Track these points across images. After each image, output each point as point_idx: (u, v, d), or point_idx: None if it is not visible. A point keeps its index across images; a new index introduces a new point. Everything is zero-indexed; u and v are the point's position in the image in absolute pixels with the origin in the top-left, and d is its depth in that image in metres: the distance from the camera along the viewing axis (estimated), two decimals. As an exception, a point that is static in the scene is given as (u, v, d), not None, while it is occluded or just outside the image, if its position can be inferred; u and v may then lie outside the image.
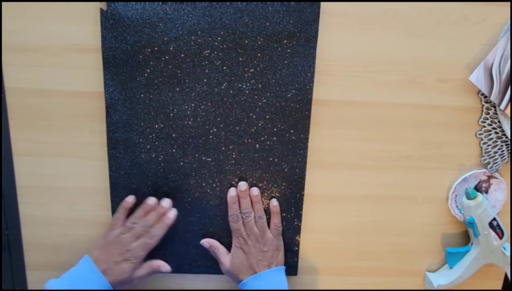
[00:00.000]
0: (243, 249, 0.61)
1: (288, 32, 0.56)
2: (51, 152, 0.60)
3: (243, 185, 0.61)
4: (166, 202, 0.60)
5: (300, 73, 0.57)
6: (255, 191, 0.62)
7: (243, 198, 0.61)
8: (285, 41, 0.56)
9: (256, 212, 0.61)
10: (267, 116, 0.59)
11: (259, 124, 0.59)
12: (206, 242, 0.63)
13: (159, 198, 0.61)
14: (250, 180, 0.62)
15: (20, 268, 0.65)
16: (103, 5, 0.54)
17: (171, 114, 0.58)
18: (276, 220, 0.62)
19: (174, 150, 0.60)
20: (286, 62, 0.57)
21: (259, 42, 0.56)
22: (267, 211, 0.63)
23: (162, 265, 0.62)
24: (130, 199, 0.60)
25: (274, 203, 0.63)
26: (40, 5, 0.54)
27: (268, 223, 0.63)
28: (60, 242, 0.64)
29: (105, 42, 0.55)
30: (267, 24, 0.55)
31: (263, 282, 0.60)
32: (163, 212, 0.60)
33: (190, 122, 0.59)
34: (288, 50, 0.56)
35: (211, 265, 0.66)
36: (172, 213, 0.60)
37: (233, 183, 0.62)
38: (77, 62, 0.56)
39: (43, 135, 0.60)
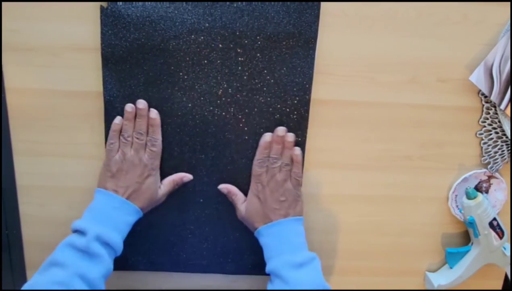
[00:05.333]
0: (259, 197, 0.58)
1: (288, 33, 0.56)
2: (51, 152, 0.60)
3: (281, 130, 0.58)
4: (142, 103, 0.57)
5: (299, 74, 0.57)
6: (290, 136, 0.59)
7: (277, 143, 0.58)
8: (285, 42, 0.56)
9: (284, 159, 0.58)
10: (266, 116, 0.59)
11: (258, 124, 0.59)
12: (224, 187, 0.61)
13: None
14: (249, 179, 0.62)
15: (20, 268, 0.65)
16: (104, 3, 0.54)
17: (170, 113, 0.58)
18: (296, 169, 0.59)
19: (172, 148, 0.60)
20: (285, 62, 0.57)
21: (259, 42, 0.56)
22: None
23: (183, 176, 0.60)
24: (118, 120, 0.57)
25: (296, 151, 0.59)
26: (40, 5, 0.54)
27: None
28: (60, 242, 0.64)
29: (105, 40, 0.55)
30: (267, 24, 0.55)
31: (278, 230, 0.57)
32: (145, 113, 0.57)
33: (188, 121, 0.59)
34: (288, 51, 0.56)
35: (207, 264, 0.66)
36: (154, 112, 0.57)
37: (233, 182, 0.62)
38: (77, 62, 0.56)
39: (43, 135, 0.60)
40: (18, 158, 0.61)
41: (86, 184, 0.62)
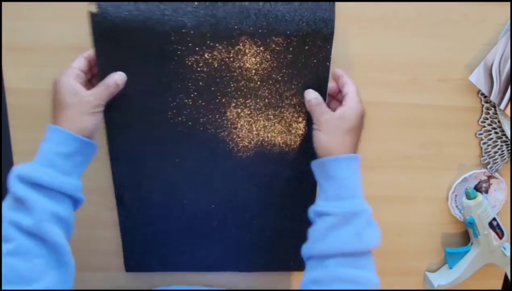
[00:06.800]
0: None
1: (302, 31, 0.51)
2: (51, 152, 0.60)
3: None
4: None
5: (315, 73, 0.54)
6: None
7: None
8: (298, 41, 0.52)
9: None
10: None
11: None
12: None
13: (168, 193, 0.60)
14: (251, 179, 0.62)
15: (20, 268, 0.65)
16: (93, 7, 0.49)
17: (174, 119, 0.56)
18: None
19: (180, 156, 0.59)
20: (301, 61, 0.53)
21: (268, 43, 0.52)
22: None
23: (114, 75, 0.51)
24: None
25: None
26: (40, 5, 0.54)
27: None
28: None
29: (98, 47, 0.51)
30: (277, 23, 0.51)
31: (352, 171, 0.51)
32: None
33: (196, 128, 0.57)
34: (302, 50, 0.53)
35: (211, 264, 0.66)
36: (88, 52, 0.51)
37: (237, 179, 0.61)
38: (77, 62, 0.56)
39: (43, 135, 0.59)
40: (18, 158, 0.61)
41: (86, 184, 0.62)
